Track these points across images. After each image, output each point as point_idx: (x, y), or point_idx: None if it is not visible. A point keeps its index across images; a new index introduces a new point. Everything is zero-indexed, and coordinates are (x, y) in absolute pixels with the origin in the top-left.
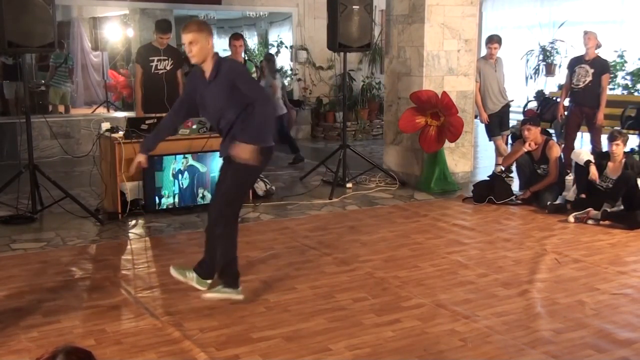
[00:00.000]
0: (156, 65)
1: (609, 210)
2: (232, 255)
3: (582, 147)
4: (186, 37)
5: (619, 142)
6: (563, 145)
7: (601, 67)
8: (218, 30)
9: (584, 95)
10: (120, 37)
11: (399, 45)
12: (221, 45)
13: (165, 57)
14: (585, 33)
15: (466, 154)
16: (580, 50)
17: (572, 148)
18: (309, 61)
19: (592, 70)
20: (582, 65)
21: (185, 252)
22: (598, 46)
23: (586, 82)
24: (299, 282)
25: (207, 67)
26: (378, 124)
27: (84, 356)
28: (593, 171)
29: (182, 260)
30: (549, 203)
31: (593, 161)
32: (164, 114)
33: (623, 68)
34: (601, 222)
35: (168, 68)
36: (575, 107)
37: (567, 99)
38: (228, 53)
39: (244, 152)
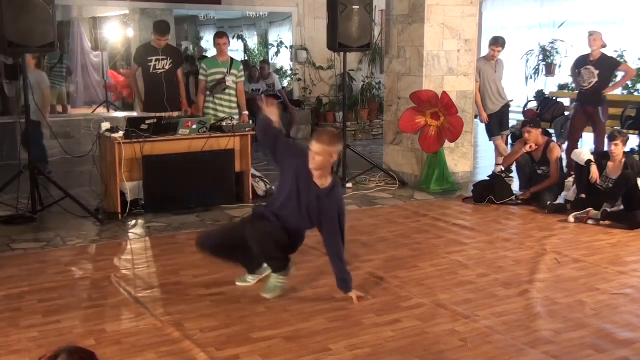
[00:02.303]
0: (154, 65)
1: (609, 210)
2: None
3: (583, 147)
4: (315, 147)
5: (618, 142)
6: (564, 146)
7: (607, 66)
8: (218, 30)
9: (590, 96)
10: (120, 37)
11: (399, 45)
12: None
13: (164, 57)
14: (591, 34)
15: (466, 154)
16: (581, 50)
17: (576, 149)
18: (309, 61)
19: (597, 72)
20: (587, 67)
21: (185, 252)
22: (603, 46)
23: (592, 83)
24: (299, 282)
25: (318, 176)
26: (378, 124)
27: (86, 356)
28: (594, 171)
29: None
30: (549, 203)
31: (593, 161)
32: (163, 114)
33: None
34: (601, 222)
35: (167, 68)
36: (580, 108)
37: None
38: (229, 53)
39: None
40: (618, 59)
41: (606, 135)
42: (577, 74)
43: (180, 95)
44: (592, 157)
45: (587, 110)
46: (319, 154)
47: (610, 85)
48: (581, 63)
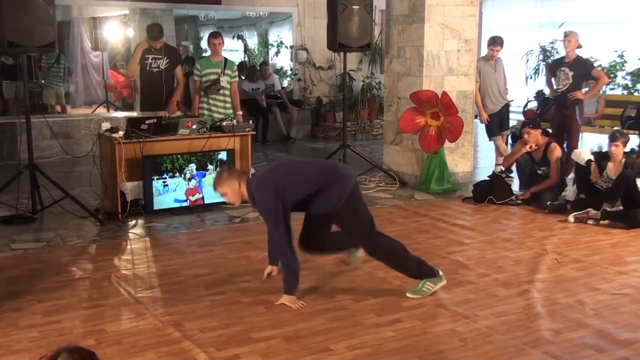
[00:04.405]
0: (151, 64)
1: (608, 209)
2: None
3: (583, 147)
4: (217, 192)
5: (619, 142)
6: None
7: (582, 68)
8: (218, 30)
9: (565, 98)
10: (120, 37)
11: (399, 45)
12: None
13: (161, 56)
14: (566, 35)
15: (466, 154)
16: (581, 50)
17: (563, 149)
18: (309, 61)
19: (571, 73)
20: (562, 69)
21: (185, 252)
22: (578, 47)
23: (567, 85)
24: (299, 282)
25: (247, 197)
26: (378, 124)
27: (87, 356)
28: (594, 171)
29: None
30: (549, 203)
31: (594, 160)
32: (161, 113)
33: (623, 68)
34: (601, 222)
35: (163, 67)
36: (557, 110)
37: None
38: (229, 53)
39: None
40: (611, 63)
41: (607, 135)
42: (550, 77)
43: (174, 93)
44: (592, 157)
45: (562, 112)
46: (224, 195)
47: (584, 91)
48: (556, 65)
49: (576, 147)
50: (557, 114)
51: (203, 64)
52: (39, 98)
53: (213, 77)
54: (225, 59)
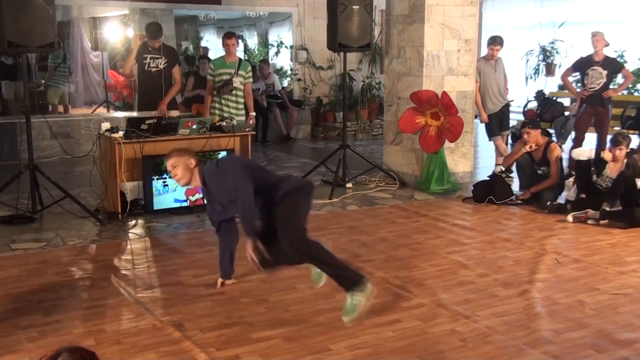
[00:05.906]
0: (149, 63)
1: (607, 209)
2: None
3: (584, 147)
4: (168, 163)
5: (623, 147)
6: (565, 145)
7: (613, 66)
8: (218, 30)
9: (600, 96)
10: (120, 37)
11: (399, 45)
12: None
13: (159, 56)
14: (594, 35)
15: (466, 154)
16: (581, 50)
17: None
18: (309, 61)
19: (605, 72)
20: (595, 67)
21: (185, 252)
22: (606, 45)
23: (601, 83)
24: (299, 282)
25: (196, 184)
26: (378, 124)
27: (87, 356)
28: (607, 155)
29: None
30: (549, 203)
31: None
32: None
33: None
34: (600, 222)
35: (161, 66)
36: (590, 108)
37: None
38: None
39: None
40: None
41: (609, 139)
42: (569, 75)
43: (169, 92)
44: (592, 155)
45: (597, 110)
46: (176, 166)
47: (611, 89)
48: (586, 64)
49: (605, 144)
50: (590, 112)
51: (217, 64)
52: (39, 98)
53: (226, 77)
54: (240, 60)
